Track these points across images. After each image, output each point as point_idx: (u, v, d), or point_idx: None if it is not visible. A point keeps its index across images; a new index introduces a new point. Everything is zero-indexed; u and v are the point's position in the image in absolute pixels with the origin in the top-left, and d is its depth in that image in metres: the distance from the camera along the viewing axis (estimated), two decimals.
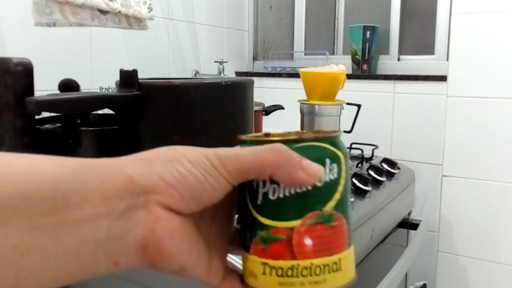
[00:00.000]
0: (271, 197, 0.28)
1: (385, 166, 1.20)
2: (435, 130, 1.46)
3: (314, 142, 0.28)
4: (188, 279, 0.28)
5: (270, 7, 1.94)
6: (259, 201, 0.28)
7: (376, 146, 1.27)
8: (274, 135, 0.29)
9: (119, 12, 1.10)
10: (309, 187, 0.27)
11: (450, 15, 1.40)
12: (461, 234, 1.43)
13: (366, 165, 1.16)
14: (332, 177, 0.28)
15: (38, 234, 0.22)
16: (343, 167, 0.29)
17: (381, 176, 1.09)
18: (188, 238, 0.26)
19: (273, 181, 0.27)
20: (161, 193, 0.25)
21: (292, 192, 0.27)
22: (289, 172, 0.26)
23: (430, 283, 1.49)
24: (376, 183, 1.07)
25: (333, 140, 0.29)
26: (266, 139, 0.28)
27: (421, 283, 1.40)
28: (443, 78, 1.43)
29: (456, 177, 1.41)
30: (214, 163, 0.26)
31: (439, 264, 1.47)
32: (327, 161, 0.28)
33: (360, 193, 0.98)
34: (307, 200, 0.27)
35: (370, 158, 1.24)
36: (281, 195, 0.27)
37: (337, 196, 0.28)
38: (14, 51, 1.05)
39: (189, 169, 0.25)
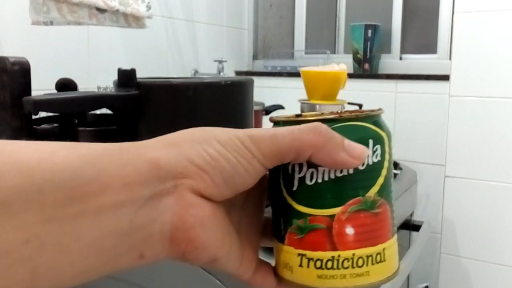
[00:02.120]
0: (308, 182, 0.25)
1: None
2: (437, 130, 1.45)
3: (356, 121, 0.26)
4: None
5: (270, 5, 1.93)
6: (294, 187, 0.26)
7: None
8: (308, 115, 0.27)
9: (117, 10, 1.09)
10: (351, 171, 0.25)
11: (453, 13, 1.39)
12: (464, 235, 1.42)
13: None
14: (375, 160, 0.26)
15: (53, 227, 0.20)
16: (387, 148, 0.26)
17: None
18: (220, 226, 0.24)
19: (310, 165, 0.25)
20: (191, 177, 0.23)
21: (332, 176, 0.25)
22: (330, 153, 0.24)
23: (433, 285, 1.48)
24: None
25: (376, 119, 0.27)
26: (302, 119, 0.26)
27: (424, 285, 1.39)
28: (445, 78, 1.42)
29: (459, 177, 1.40)
30: (247, 144, 0.24)
31: (442, 266, 1.46)
32: (371, 142, 0.26)
33: None
34: (348, 185, 0.25)
35: None
36: (320, 180, 0.25)
37: (381, 180, 0.26)
38: (10, 50, 1.04)
39: (220, 151, 0.23)
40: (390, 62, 1.64)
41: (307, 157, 0.24)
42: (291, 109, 1.27)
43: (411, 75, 1.50)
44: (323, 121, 0.25)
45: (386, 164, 0.26)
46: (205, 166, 0.23)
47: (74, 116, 0.77)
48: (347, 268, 0.25)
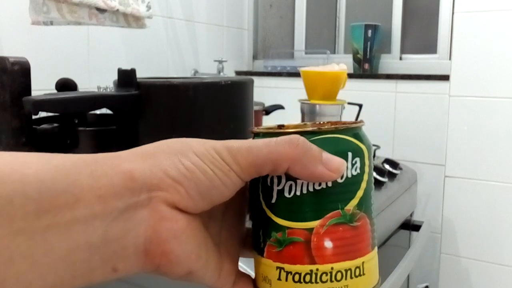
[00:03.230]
0: (287, 195, 0.25)
1: (386, 166, 1.19)
2: (437, 130, 1.45)
3: (335, 134, 0.26)
4: (195, 284, 0.26)
5: (270, 5, 1.93)
6: (273, 200, 0.26)
7: (378, 147, 1.26)
8: (288, 127, 0.27)
9: (117, 10, 1.09)
10: (329, 184, 0.25)
11: (453, 13, 1.39)
12: (464, 235, 1.42)
13: None
14: (354, 173, 0.25)
15: (22, 240, 0.20)
16: (367, 161, 0.26)
17: (382, 176, 1.08)
18: (196, 239, 0.24)
19: (289, 178, 0.25)
20: (165, 189, 0.23)
21: (310, 189, 0.25)
22: (308, 166, 0.24)
23: (433, 285, 1.48)
24: (378, 184, 1.06)
25: (355, 132, 0.26)
26: (281, 131, 0.26)
27: (424, 285, 1.39)
28: (445, 78, 1.42)
29: (459, 177, 1.40)
30: (224, 156, 0.24)
31: (442, 266, 1.46)
32: (350, 155, 0.25)
33: None
34: (327, 198, 0.25)
35: None
36: (298, 193, 0.25)
37: (360, 193, 0.26)
38: (10, 50, 1.04)
39: (196, 163, 0.23)
40: (390, 62, 1.64)
41: (284, 170, 0.24)
42: (291, 109, 1.27)
43: (411, 75, 1.50)
44: (302, 133, 0.25)
45: (365, 177, 0.26)
46: (180, 178, 0.23)
47: (74, 116, 0.77)
48: (325, 282, 0.25)
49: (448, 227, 1.44)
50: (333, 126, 0.26)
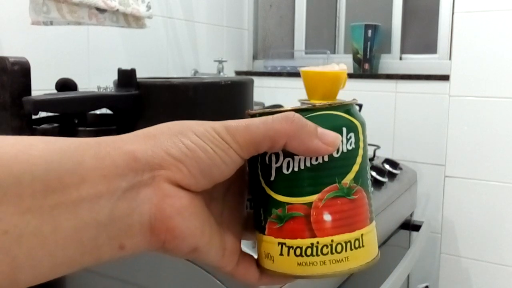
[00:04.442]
0: (285, 171, 0.26)
1: (386, 166, 1.19)
2: (437, 130, 1.45)
3: (329, 110, 0.26)
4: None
5: (270, 5, 1.93)
6: (272, 177, 0.26)
7: (378, 147, 1.26)
8: (284, 107, 0.27)
9: (117, 10, 1.09)
10: (326, 159, 0.26)
11: (453, 13, 1.39)
12: (464, 235, 1.42)
13: None
14: (349, 147, 0.26)
15: (32, 217, 0.20)
16: (361, 136, 0.27)
17: (382, 176, 1.08)
18: (199, 216, 0.25)
19: (286, 154, 0.26)
20: (168, 168, 0.23)
21: (308, 165, 0.26)
22: (304, 141, 0.25)
23: (433, 285, 1.48)
24: (378, 184, 1.06)
25: (348, 109, 0.27)
26: (277, 110, 0.26)
27: (424, 285, 1.39)
28: (445, 78, 1.42)
29: (459, 177, 1.40)
30: (223, 135, 0.24)
31: (442, 266, 1.46)
32: (344, 130, 0.26)
33: None
34: (324, 172, 0.26)
35: (372, 159, 1.22)
36: (296, 169, 0.26)
37: (356, 167, 0.26)
38: (10, 50, 1.04)
39: (196, 142, 0.24)
40: (390, 62, 1.64)
41: (281, 146, 0.25)
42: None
43: (411, 75, 1.50)
44: (297, 110, 0.26)
45: (361, 151, 0.27)
46: (182, 156, 0.24)
47: (74, 116, 0.77)
48: (326, 254, 0.26)
49: (448, 227, 1.44)
50: (327, 103, 0.27)
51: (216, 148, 0.24)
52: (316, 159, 0.26)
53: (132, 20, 1.17)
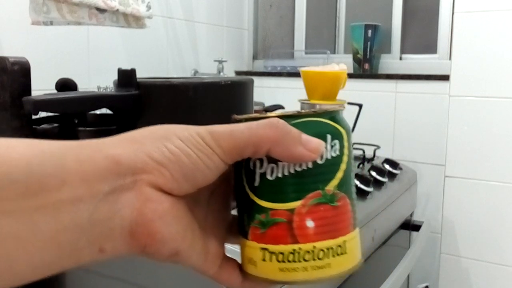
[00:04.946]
0: (269, 177, 0.26)
1: (386, 166, 1.19)
2: (437, 130, 1.45)
3: (314, 117, 0.27)
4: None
5: (270, 5, 1.92)
6: (256, 183, 0.26)
7: (378, 147, 1.26)
8: (269, 113, 0.28)
9: (117, 10, 1.09)
10: (310, 165, 0.26)
11: (453, 13, 1.39)
12: (464, 235, 1.41)
13: (367, 165, 1.15)
14: (334, 154, 0.26)
15: (11, 220, 0.20)
16: (346, 143, 0.27)
17: (382, 177, 1.08)
18: (181, 221, 0.25)
19: (271, 160, 0.26)
20: (150, 172, 0.23)
21: (292, 171, 0.26)
22: (287, 147, 0.25)
23: (433, 285, 1.48)
24: (378, 184, 1.06)
25: (333, 115, 0.27)
26: (262, 116, 0.26)
27: (424, 285, 1.39)
28: (445, 78, 1.42)
29: (459, 177, 1.40)
30: (207, 140, 0.24)
31: (442, 266, 1.46)
32: (328, 137, 0.26)
33: (361, 194, 0.97)
34: (308, 179, 0.26)
35: (372, 159, 1.22)
36: (280, 175, 0.26)
37: (339, 174, 0.26)
38: (10, 50, 1.04)
39: (180, 147, 0.24)
40: (390, 62, 1.64)
41: (265, 152, 0.25)
42: (292, 109, 1.26)
43: (411, 75, 1.49)
44: (282, 117, 0.26)
45: (345, 158, 0.27)
46: (165, 161, 0.24)
47: (74, 116, 0.76)
48: (308, 260, 0.26)
49: (448, 227, 1.44)
50: (312, 110, 0.27)
51: (200, 153, 0.24)
52: (300, 166, 0.26)
53: (132, 20, 1.17)
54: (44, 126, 0.74)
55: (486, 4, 1.31)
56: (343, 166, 0.27)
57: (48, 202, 0.21)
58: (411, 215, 1.30)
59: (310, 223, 0.26)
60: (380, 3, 1.72)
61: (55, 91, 0.79)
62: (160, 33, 1.46)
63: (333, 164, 0.26)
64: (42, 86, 0.81)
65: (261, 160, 0.26)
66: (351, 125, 1.16)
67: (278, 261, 0.26)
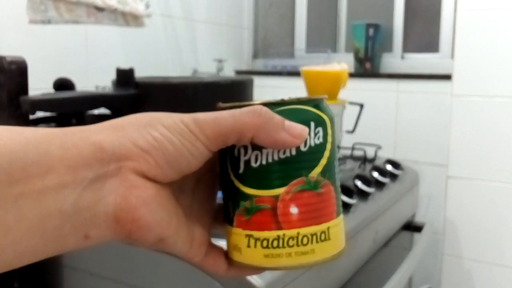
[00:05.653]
0: (253, 164, 0.26)
1: (388, 167, 1.18)
2: (440, 130, 1.44)
3: (297, 105, 0.27)
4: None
5: (271, 3, 1.92)
6: (241, 170, 0.27)
7: (379, 147, 1.25)
8: (254, 102, 0.28)
9: (116, 9, 1.08)
10: (293, 152, 0.26)
11: (455, 11, 1.38)
12: (467, 236, 1.41)
13: (368, 166, 1.14)
14: (317, 142, 0.27)
15: None
16: (329, 131, 0.28)
17: (384, 177, 1.07)
18: (166, 207, 0.25)
19: (255, 147, 0.26)
20: (134, 159, 0.24)
21: (275, 158, 0.26)
22: (271, 133, 0.25)
23: (435, 286, 1.47)
24: (379, 185, 1.05)
25: (317, 103, 0.28)
26: (246, 104, 0.27)
27: (426, 286, 1.38)
28: (448, 77, 1.41)
29: (462, 178, 1.40)
30: (191, 127, 0.25)
31: (444, 267, 1.45)
32: (312, 124, 0.27)
33: (362, 195, 0.97)
34: (292, 166, 0.26)
35: (373, 159, 1.22)
36: (264, 162, 0.26)
37: (323, 161, 0.27)
38: (8, 49, 1.03)
39: (164, 134, 0.24)
40: (392, 61, 1.63)
41: (249, 139, 0.25)
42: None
43: (413, 74, 1.49)
44: (266, 104, 0.26)
45: (328, 146, 0.27)
46: (149, 148, 0.24)
47: (72, 116, 0.76)
48: (292, 246, 0.26)
49: (451, 228, 1.43)
50: (295, 98, 0.27)
51: (184, 140, 0.24)
52: (284, 152, 0.26)
53: (131, 19, 1.17)
54: (41, 126, 0.73)
55: (489, 2, 1.31)
56: (326, 153, 0.27)
57: (33, 189, 0.21)
58: (413, 216, 1.29)
59: (294, 210, 0.26)
60: (381, 1, 1.71)
61: (53, 91, 0.78)
62: (159, 32, 1.45)
63: (316, 151, 0.27)
64: (39, 85, 0.81)
65: (245, 147, 0.27)
66: (352, 125, 1.15)
67: (263, 247, 0.26)
